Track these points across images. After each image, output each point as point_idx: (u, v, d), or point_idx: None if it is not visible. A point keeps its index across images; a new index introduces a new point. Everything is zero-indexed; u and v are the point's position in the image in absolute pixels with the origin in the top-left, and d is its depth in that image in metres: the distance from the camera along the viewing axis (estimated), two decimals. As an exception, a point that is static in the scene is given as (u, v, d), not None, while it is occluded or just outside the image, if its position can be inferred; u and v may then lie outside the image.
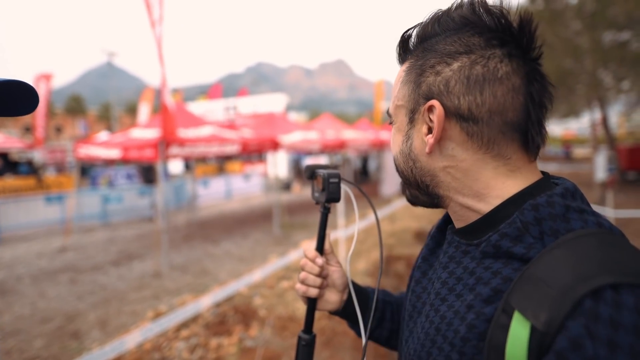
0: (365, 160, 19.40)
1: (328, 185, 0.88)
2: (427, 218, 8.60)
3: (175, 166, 20.88)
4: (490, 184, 0.62)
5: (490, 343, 0.52)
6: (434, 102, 0.60)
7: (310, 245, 0.90)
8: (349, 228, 5.98)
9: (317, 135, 11.38)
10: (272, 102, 18.81)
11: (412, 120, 0.65)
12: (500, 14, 0.60)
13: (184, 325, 3.08)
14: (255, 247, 7.86)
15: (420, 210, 9.59)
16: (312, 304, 0.89)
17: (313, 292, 0.88)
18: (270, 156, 15.57)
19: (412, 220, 7.82)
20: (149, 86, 19.02)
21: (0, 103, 0.62)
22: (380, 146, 14.41)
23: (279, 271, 4.44)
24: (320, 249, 0.90)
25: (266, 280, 4.17)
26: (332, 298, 0.91)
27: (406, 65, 0.67)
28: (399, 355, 0.83)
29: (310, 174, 0.96)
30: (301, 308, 3.53)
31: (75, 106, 56.13)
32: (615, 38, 11.93)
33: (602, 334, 0.42)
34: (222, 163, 24.30)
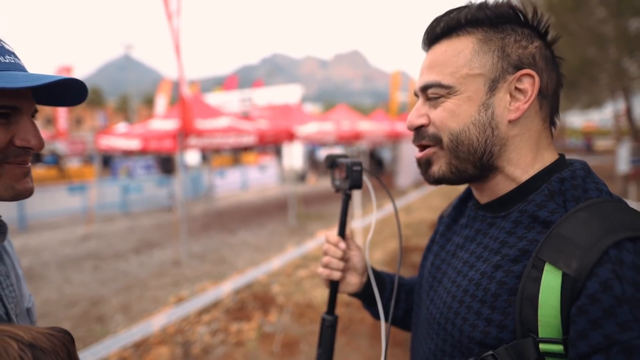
0: (372, 152, 19.26)
1: (351, 173, 0.90)
2: (442, 209, 8.55)
3: (192, 157, 21.14)
4: (538, 155, 0.69)
5: (524, 295, 0.57)
6: (531, 72, 0.66)
7: (331, 231, 0.94)
8: (365, 218, 6.00)
9: (333, 126, 11.36)
10: (287, 93, 18.82)
11: (493, 89, 0.67)
12: (541, 15, 0.69)
13: (205, 310, 3.17)
14: (272, 237, 7.95)
15: (436, 201, 9.54)
16: (334, 286, 0.93)
17: (336, 274, 0.92)
18: (286, 147, 15.66)
19: (427, 212, 7.79)
20: (166, 78, 19.23)
21: (59, 95, 0.69)
22: (396, 137, 14.32)
23: (296, 260, 4.50)
24: (342, 233, 0.93)
25: (284, 268, 4.24)
26: (353, 280, 0.95)
27: (476, 36, 0.68)
28: (413, 328, 0.87)
29: (331, 163, 0.99)
30: (318, 296, 3.59)
31: (94, 98, 57.32)
32: (634, 24, 11.49)
33: (628, 275, 0.49)
34: (237, 154, 24.50)
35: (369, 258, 0.93)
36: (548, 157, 0.69)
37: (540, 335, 0.55)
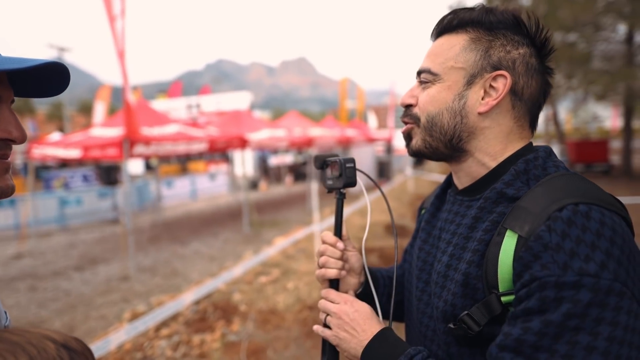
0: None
1: (345, 170, 0.89)
2: (395, 212, 8.82)
3: (136, 166, 20.12)
4: (505, 147, 0.77)
5: (488, 257, 0.66)
6: (505, 73, 0.74)
7: (328, 232, 0.93)
8: (323, 222, 6.04)
9: (285, 132, 11.34)
10: (237, 100, 18.54)
11: (470, 83, 0.76)
12: (536, 23, 0.75)
13: (164, 324, 3.01)
14: (225, 246, 7.75)
15: (390, 204, 9.79)
16: (334, 285, 0.90)
17: (332, 272, 0.91)
18: (237, 154, 15.36)
19: (381, 214, 7.99)
20: (105, 84, 18.20)
21: (37, 84, 0.62)
22: (347, 143, 14.58)
23: (256, 267, 4.42)
24: (339, 234, 0.93)
25: (244, 276, 4.14)
26: (352, 280, 0.95)
27: (468, 35, 0.76)
28: (407, 313, 0.92)
29: (321, 163, 0.97)
30: (281, 301, 3.55)
31: (21, 105, 52.60)
32: (564, 39, 12.72)
33: (558, 228, 0.57)
34: (184, 163, 23.67)
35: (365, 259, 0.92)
36: (517, 146, 0.78)
37: (500, 290, 0.63)
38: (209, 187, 15.71)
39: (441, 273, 0.76)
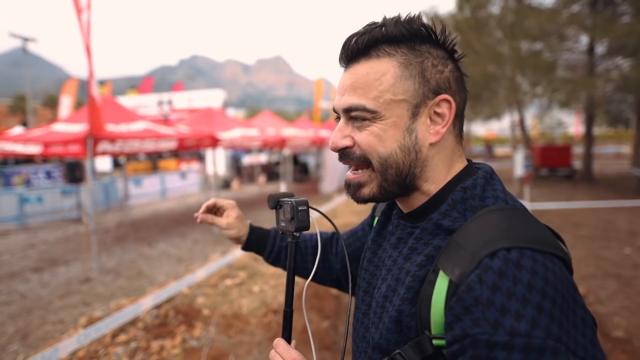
0: (296, 158, 19.45)
1: (297, 214, 0.85)
2: (366, 213, 8.88)
3: (103, 163, 19.45)
4: (451, 169, 0.74)
5: (422, 295, 0.63)
6: (448, 97, 0.70)
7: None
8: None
9: (257, 132, 11.24)
10: (210, 98, 18.25)
11: (415, 114, 0.70)
12: (445, 31, 0.71)
13: (122, 329, 2.90)
14: (194, 246, 7.60)
15: (360, 206, 9.89)
16: (287, 334, 0.85)
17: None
18: (208, 153, 15.11)
19: (352, 216, 8.03)
20: (72, 77, 17.52)
21: None
22: (320, 144, 14.60)
23: (222, 269, 4.35)
24: (291, 285, 0.86)
25: (209, 279, 4.06)
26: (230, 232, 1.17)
27: (397, 59, 0.69)
28: (353, 327, 0.89)
29: (274, 204, 0.92)
30: (245, 305, 3.50)
31: (-19, 97, 49.73)
32: (530, 47, 13.18)
33: (489, 280, 0.54)
34: (155, 160, 23.09)
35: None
36: (458, 168, 0.74)
37: (432, 332, 0.61)
38: (179, 186, 15.38)
39: (379, 303, 0.74)
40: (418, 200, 0.75)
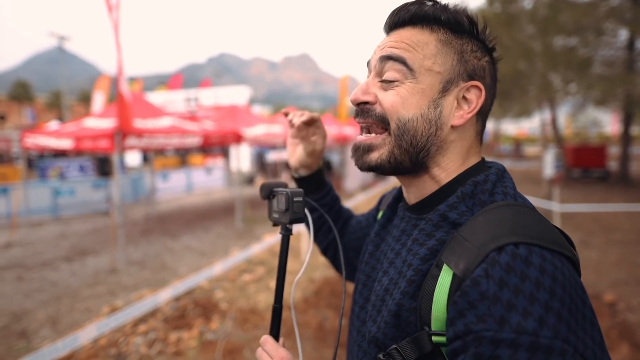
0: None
1: (292, 205, 0.82)
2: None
3: (133, 158, 20.08)
4: (465, 162, 0.72)
5: (424, 290, 0.61)
6: (480, 85, 0.69)
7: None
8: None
9: (281, 129, 11.30)
10: (235, 94, 18.48)
11: (445, 90, 0.68)
12: (484, 28, 0.71)
13: (142, 320, 2.99)
14: (217, 241, 7.73)
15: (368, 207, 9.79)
16: (275, 331, 0.82)
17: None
18: (233, 149, 15.32)
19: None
20: (105, 74, 18.13)
21: None
22: (344, 141, 14.54)
23: (241, 264, 4.39)
24: (281, 281, 0.84)
25: (228, 273, 4.12)
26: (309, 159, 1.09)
27: (438, 35, 0.69)
28: (350, 320, 0.88)
29: (267, 194, 0.89)
30: (262, 300, 3.53)
31: (20, 92, 52.30)
32: (564, 43, 12.67)
33: (496, 275, 0.52)
34: (184, 156, 23.64)
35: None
36: (472, 162, 0.73)
37: (432, 329, 0.59)
38: (205, 182, 15.69)
39: (379, 296, 0.71)
40: (427, 187, 0.73)
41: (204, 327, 2.94)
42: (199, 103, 17.11)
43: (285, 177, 17.51)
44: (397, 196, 0.89)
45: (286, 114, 1.09)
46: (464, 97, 0.69)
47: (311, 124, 1.06)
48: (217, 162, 21.56)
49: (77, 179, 13.06)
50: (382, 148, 0.70)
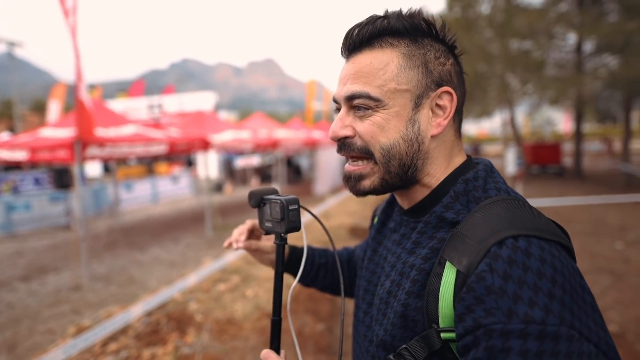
0: (289, 160, 19.41)
1: (288, 213, 0.78)
2: (359, 214, 8.86)
3: (93, 168, 19.24)
4: (450, 163, 0.73)
5: (429, 289, 0.62)
6: (450, 90, 0.70)
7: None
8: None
9: (250, 134, 11.17)
10: (201, 100, 18.12)
11: (418, 105, 0.69)
12: (445, 26, 0.72)
13: (112, 338, 2.84)
14: (187, 251, 7.51)
15: (354, 206, 9.86)
16: (275, 345, 0.81)
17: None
18: (200, 157, 14.98)
19: (346, 217, 8.00)
20: (61, 81, 17.30)
21: None
22: (313, 145, 14.56)
23: (215, 274, 4.29)
24: (279, 291, 0.82)
25: (201, 284, 4.00)
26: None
27: (400, 50, 0.68)
28: (354, 327, 0.88)
29: (257, 202, 0.85)
30: (239, 310, 3.45)
31: (-33, 103, 48.97)
32: (520, 46, 13.29)
33: (499, 268, 0.53)
34: (149, 165, 22.90)
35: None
36: (458, 162, 0.74)
37: (440, 326, 0.60)
38: (171, 190, 15.24)
39: (383, 299, 0.72)
40: (419, 194, 0.74)
41: (179, 342, 2.83)
42: (162, 110, 16.65)
43: (254, 183, 17.31)
44: (391, 201, 0.91)
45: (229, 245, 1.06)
46: (438, 105, 0.70)
47: (251, 232, 1.04)
48: (184, 170, 21.04)
49: (32, 192, 12.34)
50: (372, 176, 0.72)
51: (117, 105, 16.23)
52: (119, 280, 5.90)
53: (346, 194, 12.29)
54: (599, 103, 18.20)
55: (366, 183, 0.73)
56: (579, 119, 16.33)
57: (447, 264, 0.60)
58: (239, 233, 1.01)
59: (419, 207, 0.74)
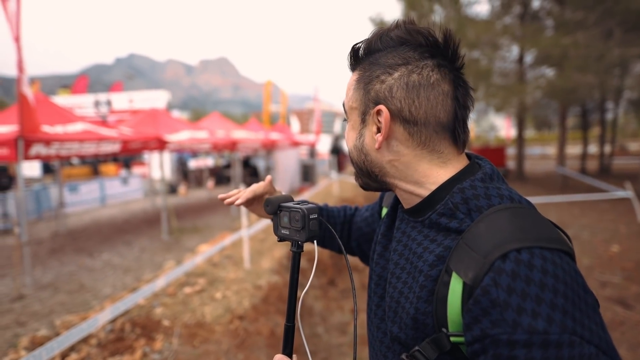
0: (246, 161, 19.16)
1: (308, 222, 0.81)
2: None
3: (32, 168, 17.82)
4: (426, 174, 0.75)
5: (437, 296, 0.66)
6: (381, 107, 0.73)
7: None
8: (251, 227, 5.87)
9: (207, 134, 10.88)
10: (152, 99, 17.40)
11: (363, 121, 0.77)
12: (427, 33, 0.73)
13: (73, 349, 2.65)
14: (142, 255, 7.17)
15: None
16: (288, 350, 0.82)
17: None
18: (154, 157, 14.34)
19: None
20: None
21: None
22: (271, 146, 14.45)
23: (180, 278, 4.13)
24: (293, 299, 0.84)
25: (166, 288, 3.84)
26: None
27: (356, 74, 0.78)
28: (368, 317, 0.92)
29: (274, 209, 0.86)
30: (209, 313, 3.35)
31: None
32: (469, 55, 14.03)
33: (503, 283, 0.57)
34: (94, 165, 21.57)
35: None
36: (445, 173, 0.74)
37: (450, 330, 0.64)
38: (121, 192, 14.47)
39: (394, 298, 0.76)
40: (410, 198, 0.79)
41: (147, 348, 2.69)
42: (111, 108, 15.79)
43: (210, 185, 16.87)
44: (396, 197, 0.93)
45: (223, 199, 1.09)
46: (379, 121, 0.74)
47: (253, 200, 1.09)
48: (134, 171, 20.05)
49: (-39, 194, 11.19)
50: (357, 174, 0.85)
51: (60, 101, 15.18)
52: (68, 288, 5.51)
53: (305, 195, 12.30)
54: (538, 111, 19.67)
55: (358, 180, 0.85)
56: (520, 125, 17.53)
57: (454, 274, 0.63)
58: (239, 192, 1.08)
59: (415, 209, 0.78)
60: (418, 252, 0.73)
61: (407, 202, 0.80)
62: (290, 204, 0.84)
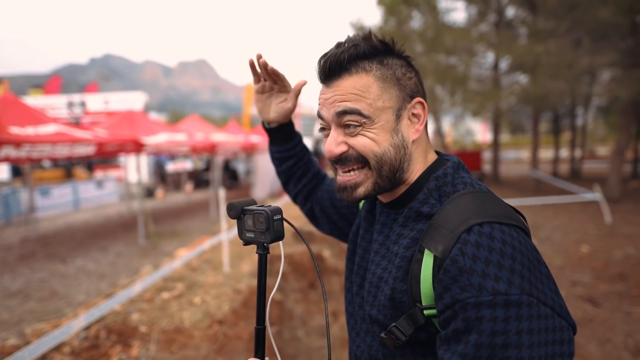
0: (226, 164, 18.97)
1: (272, 223, 0.81)
2: (302, 219, 8.90)
3: (0, 172, 17.15)
4: (425, 161, 0.85)
5: (411, 273, 0.73)
6: (420, 99, 0.82)
7: None
8: (230, 231, 5.81)
9: (186, 137, 10.72)
10: (129, 100, 17.05)
11: (399, 117, 0.81)
12: (400, 45, 0.84)
13: (44, 357, 2.55)
14: (118, 260, 6.99)
15: (296, 211, 9.87)
16: (260, 354, 0.83)
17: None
18: (131, 160, 14.02)
19: (291, 221, 7.97)
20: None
21: None
22: (251, 149, 14.35)
23: (157, 282, 4.04)
24: (262, 308, 0.84)
25: (142, 293, 3.75)
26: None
27: (374, 73, 0.78)
28: (346, 305, 0.99)
29: (237, 213, 0.85)
30: (187, 318, 3.29)
31: None
32: (447, 61, 14.33)
33: (469, 251, 0.64)
34: (67, 168, 20.92)
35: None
36: (430, 159, 0.86)
37: (423, 304, 0.70)
38: (95, 196, 14.07)
39: (373, 283, 0.82)
40: (398, 190, 0.85)
41: (123, 355, 2.62)
42: (86, 109, 15.38)
43: (189, 189, 16.59)
44: (371, 201, 0.99)
45: (252, 63, 1.10)
46: (413, 114, 0.82)
47: (276, 79, 1.12)
48: (109, 174, 19.55)
49: None
50: (366, 182, 0.82)
51: (32, 102, 14.69)
52: (39, 296, 5.32)
53: (286, 199, 12.27)
54: (512, 116, 20.24)
55: (361, 190, 0.82)
56: (496, 130, 17.99)
57: (426, 251, 0.70)
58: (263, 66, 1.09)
59: (397, 201, 0.85)
60: (394, 239, 0.81)
61: (393, 194, 0.86)
62: (253, 207, 0.84)
